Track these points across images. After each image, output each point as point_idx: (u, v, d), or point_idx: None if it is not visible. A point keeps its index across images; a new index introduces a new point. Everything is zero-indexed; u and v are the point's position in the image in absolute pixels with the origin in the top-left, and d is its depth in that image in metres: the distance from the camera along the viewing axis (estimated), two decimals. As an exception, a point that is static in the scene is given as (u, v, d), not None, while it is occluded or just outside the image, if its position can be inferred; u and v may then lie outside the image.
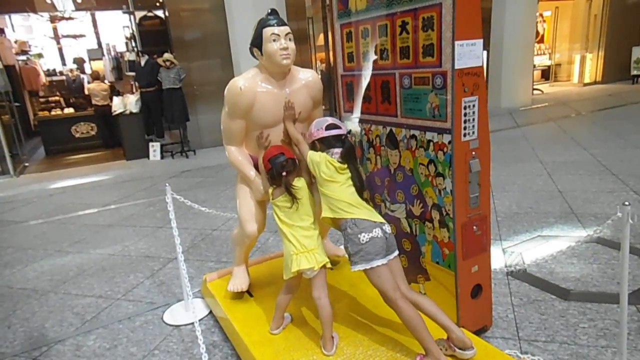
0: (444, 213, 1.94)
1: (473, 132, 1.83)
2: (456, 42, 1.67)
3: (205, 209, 2.82)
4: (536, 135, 6.82)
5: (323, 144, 1.89)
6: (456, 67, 1.70)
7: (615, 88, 10.79)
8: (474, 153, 1.86)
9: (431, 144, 1.92)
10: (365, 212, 1.80)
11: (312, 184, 2.05)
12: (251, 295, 2.40)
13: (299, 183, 1.91)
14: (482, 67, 1.79)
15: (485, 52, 8.73)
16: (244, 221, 2.18)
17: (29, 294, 3.07)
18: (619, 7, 11.14)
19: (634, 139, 5.82)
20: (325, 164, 1.82)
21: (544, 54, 12.67)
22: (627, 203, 1.66)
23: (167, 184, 2.57)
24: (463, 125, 1.79)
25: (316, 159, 1.85)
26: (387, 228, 1.80)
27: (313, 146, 1.93)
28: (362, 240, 1.73)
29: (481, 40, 1.74)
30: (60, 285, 3.15)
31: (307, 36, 8.93)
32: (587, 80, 11.75)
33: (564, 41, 12.55)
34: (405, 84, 1.98)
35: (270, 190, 1.96)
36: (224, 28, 7.51)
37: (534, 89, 10.56)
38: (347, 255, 1.82)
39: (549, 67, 12.86)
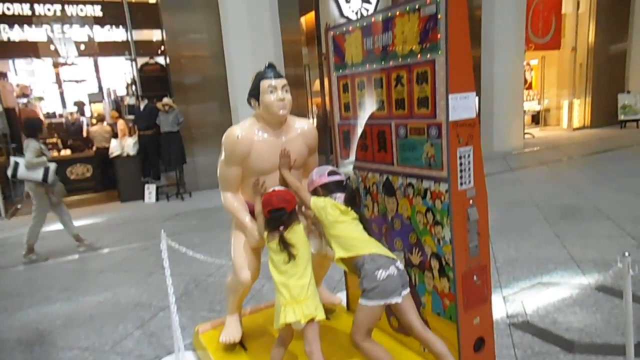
0: (444, 262, 1.91)
1: (469, 181, 1.84)
2: (450, 96, 1.72)
3: (200, 256, 2.76)
4: (530, 178, 6.89)
5: (325, 190, 1.93)
6: (450, 119, 1.74)
7: (604, 132, 11.05)
8: (471, 202, 1.86)
9: (428, 192, 1.92)
10: (378, 247, 1.81)
11: (311, 230, 2.03)
12: (244, 348, 2.31)
13: (297, 227, 1.87)
14: (475, 118, 1.83)
15: (477, 98, 9.01)
16: (238, 268, 2.15)
17: (12, 346, 2.93)
18: (602, 57, 11.63)
19: (627, 182, 5.88)
20: (330, 206, 1.86)
21: (533, 99, 13.06)
22: (627, 254, 1.64)
23: (162, 230, 2.53)
24: (459, 174, 1.80)
25: (321, 203, 1.88)
26: (400, 264, 1.80)
27: (315, 193, 1.96)
28: (379, 277, 1.72)
29: (474, 93, 1.79)
30: (46, 336, 3.03)
31: (303, 82, 9.19)
32: (575, 125, 12.05)
33: (552, 87, 12.97)
34: (401, 133, 2.01)
35: (265, 235, 1.93)
36: (222, 73, 7.73)
37: (525, 133, 10.79)
38: (361, 290, 1.77)
39: (538, 112, 13.22)
